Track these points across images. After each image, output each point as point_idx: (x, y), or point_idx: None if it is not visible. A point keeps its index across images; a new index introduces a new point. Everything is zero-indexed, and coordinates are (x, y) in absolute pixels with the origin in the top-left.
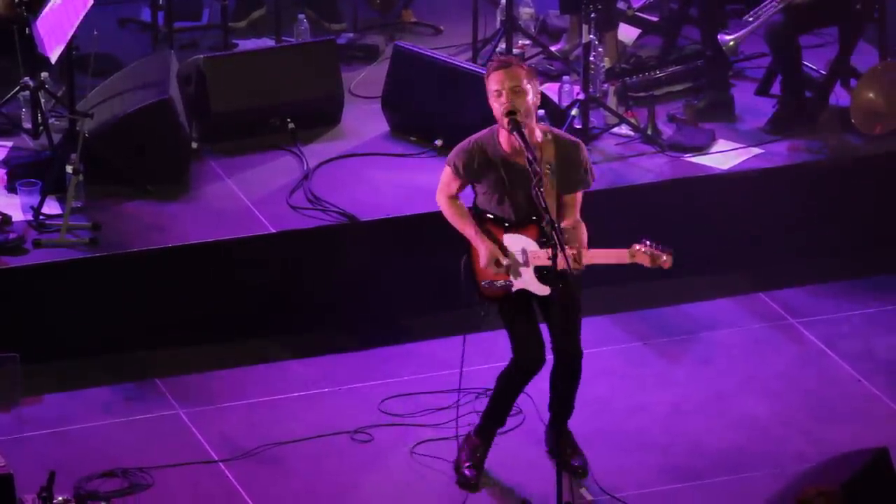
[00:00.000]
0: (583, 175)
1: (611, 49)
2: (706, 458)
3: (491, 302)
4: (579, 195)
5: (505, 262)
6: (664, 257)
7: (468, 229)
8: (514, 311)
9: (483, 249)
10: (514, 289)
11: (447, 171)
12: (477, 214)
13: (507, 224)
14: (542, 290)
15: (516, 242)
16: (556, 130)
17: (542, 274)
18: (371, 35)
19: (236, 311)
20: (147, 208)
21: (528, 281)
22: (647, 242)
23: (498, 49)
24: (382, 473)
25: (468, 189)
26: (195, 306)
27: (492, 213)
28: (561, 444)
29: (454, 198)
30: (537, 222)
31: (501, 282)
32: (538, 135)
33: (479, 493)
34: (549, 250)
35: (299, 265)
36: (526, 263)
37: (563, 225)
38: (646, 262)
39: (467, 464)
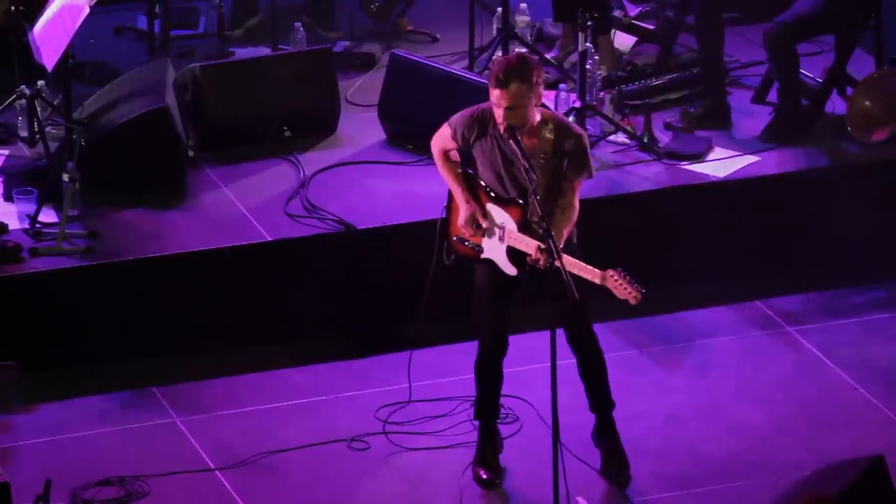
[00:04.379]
0: (580, 166)
1: (607, 57)
2: (703, 465)
3: (458, 256)
4: (577, 183)
5: (484, 224)
6: (634, 293)
7: (455, 185)
8: (484, 290)
9: (466, 207)
10: (482, 255)
11: (446, 129)
12: (471, 177)
13: (493, 195)
14: (510, 268)
15: (498, 215)
16: (559, 117)
17: (512, 255)
18: (368, 43)
19: (232, 319)
20: (143, 217)
21: (497, 255)
22: (623, 273)
23: (494, 57)
24: (379, 482)
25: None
26: (191, 314)
27: (482, 181)
28: (603, 445)
29: (447, 153)
30: (522, 206)
31: (472, 243)
32: (536, 117)
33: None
34: (533, 242)
35: (296, 273)
36: (501, 239)
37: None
38: (616, 291)
39: (479, 467)
